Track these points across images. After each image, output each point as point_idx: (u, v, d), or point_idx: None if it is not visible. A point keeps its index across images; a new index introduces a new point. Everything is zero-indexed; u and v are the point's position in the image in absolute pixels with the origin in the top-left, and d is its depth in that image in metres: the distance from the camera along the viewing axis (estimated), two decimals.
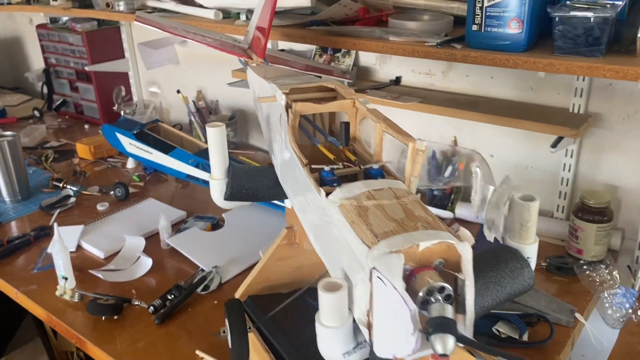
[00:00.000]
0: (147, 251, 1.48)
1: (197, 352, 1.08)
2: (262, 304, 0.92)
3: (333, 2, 1.46)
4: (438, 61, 1.60)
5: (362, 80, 1.74)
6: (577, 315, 1.22)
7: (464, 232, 0.50)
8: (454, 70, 1.59)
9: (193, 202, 1.78)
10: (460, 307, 0.47)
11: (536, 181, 1.53)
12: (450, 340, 0.44)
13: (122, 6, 1.78)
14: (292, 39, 1.42)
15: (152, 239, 1.55)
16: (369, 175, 0.66)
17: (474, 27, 1.16)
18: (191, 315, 1.26)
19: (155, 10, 1.78)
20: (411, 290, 0.48)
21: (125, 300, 1.29)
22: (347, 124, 0.71)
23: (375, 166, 0.66)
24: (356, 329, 0.57)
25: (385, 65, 1.72)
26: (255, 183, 0.87)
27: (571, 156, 1.46)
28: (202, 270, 1.40)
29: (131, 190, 1.80)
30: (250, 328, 0.71)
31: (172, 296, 1.29)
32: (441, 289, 0.48)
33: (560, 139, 1.33)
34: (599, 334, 1.26)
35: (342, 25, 1.43)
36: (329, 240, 0.62)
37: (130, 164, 1.99)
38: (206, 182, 1.68)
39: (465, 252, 0.49)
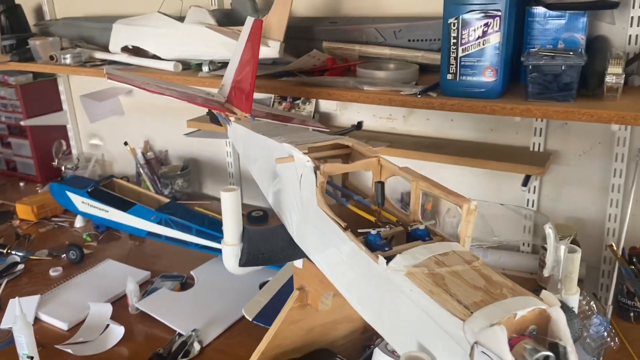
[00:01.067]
0: (114, 318, 1.38)
1: None
2: None
3: (298, 54, 1.47)
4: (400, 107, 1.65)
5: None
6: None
7: (548, 295, 0.51)
8: (414, 114, 1.64)
9: (154, 260, 1.69)
10: None
11: (500, 217, 1.59)
12: None
13: (68, 59, 1.69)
14: (265, 90, 1.41)
15: (118, 303, 1.45)
16: (415, 236, 0.65)
17: (449, 76, 1.21)
18: None
19: (104, 62, 1.71)
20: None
21: None
22: (382, 184, 0.70)
23: (422, 227, 0.66)
24: None
25: (345, 111, 1.74)
26: (271, 245, 0.84)
27: (534, 192, 1.53)
28: (180, 334, 1.32)
29: (85, 251, 1.68)
30: None
31: None
32: (546, 358, 0.47)
33: (528, 177, 1.40)
34: None
35: (310, 75, 1.44)
36: (390, 309, 0.60)
37: (79, 222, 1.86)
38: (170, 239, 1.62)
39: (560, 316, 0.49)
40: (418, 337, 0.55)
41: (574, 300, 0.66)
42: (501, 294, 0.51)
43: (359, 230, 0.65)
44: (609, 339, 1.32)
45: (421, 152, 1.51)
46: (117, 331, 1.34)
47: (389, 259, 0.59)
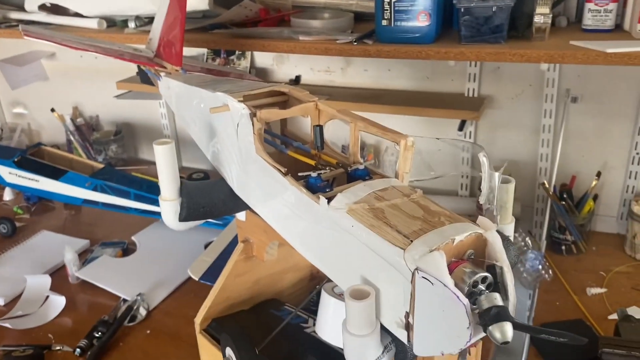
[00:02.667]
0: (54, 289, 1.33)
1: None
2: (230, 327, 0.87)
3: (228, 5, 1.42)
4: (337, 58, 1.63)
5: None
6: None
7: (484, 220, 0.52)
8: (352, 66, 1.63)
9: (92, 228, 1.64)
10: (502, 294, 0.48)
11: (440, 162, 1.62)
12: (509, 327, 0.45)
13: None
14: (195, 45, 1.36)
15: (57, 275, 1.40)
16: (355, 176, 0.65)
17: (384, 22, 1.20)
18: (125, 350, 1.17)
19: (21, 23, 1.59)
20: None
21: (44, 347, 1.15)
22: (320, 127, 0.69)
23: (361, 167, 0.66)
24: (381, 333, 0.56)
25: (282, 66, 1.71)
26: (211, 199, 0.82)
27: (469, 137, 1.57)
28: (125, 300, 1.29)
29: (17, 224, 1.60)
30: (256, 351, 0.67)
31: (99, 333, 1.18)
32: (484, 279, 0.49)
33: (464, 122, 1.43)
34: (520, 296, 1.37)
35: (243, 27, 1.39)
36: (333, 248, 0.60)
37: (8, 195, 1.77)
38: (107, 206, 1.56)
39: (495, 239, 0.50)
40: (362, 271, 0.56)
41: (509, 229, 0.68)
42: (439, 222, 0.52)
43: (299, 174, 0.64)
44: (543, 272, 1.39)
45: (360, 104, 1.51)
46: (58, 302, 1.29)
47: (330, 199, 0.59)
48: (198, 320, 0.89)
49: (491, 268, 0.50)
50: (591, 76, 1.41)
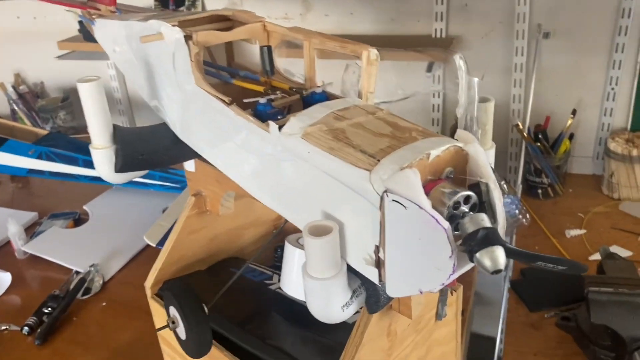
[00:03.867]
0: None
1: None
2: (175, 285, 0.78)
3: None
4: (295, 2, 1.52)
5: None
6: None
7: (463, 133, 0.43)
8: (312, 11, 1.52)
9: (41, 200, 1.52)
10: (489, 216, 0.40)
11: (409, 112, 1.54)
12: (501, 252, 0.37)
13: None
14: None
15: (1, 251, 1.28)
16: (311, 102, 0.56)
17: None
18: (79, 325, 1.07)
19: None
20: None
21: None
22: (268, 48, 0.59)
23: (318, 90, 0.56)
24: (348, 275, 0.48)
25: None
26: (152, 145, 0.71)
27: (438, 82, 1.49)
28: (77, 272, 1.19)
29: None
30: (204, 311, 0.58)
31: (49, 309, 1.08)
32: (466, 199, 0.40)
33: (432, 63, 1.34)
34: None
35: None
36: (290, 184, 0.51)
37: None
38: (54, 175, 1.44)
39: (478, 152, 0.42)
40: (323, 205, 0.47)
41: (490, 155, 0.60)
42: (411, 137, 0.43)
43: (245, 101, 0.55)
44: (521, 217, 1.33)
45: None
46: (3, 279, 1.19)
47: (283, 126, 0.50)
48: (148, 284, 0.80)
49: (475, 187, 0.42)
50: (563, 10, 1.34)
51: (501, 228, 0.41)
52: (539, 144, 1.38)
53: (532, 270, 1.18)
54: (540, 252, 0.39)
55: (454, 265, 0.38)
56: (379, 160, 0.41)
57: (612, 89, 1.38)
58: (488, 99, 0.59)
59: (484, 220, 0.38)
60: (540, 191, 1.41)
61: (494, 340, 1.10)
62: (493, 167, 0.63)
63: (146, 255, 1.25)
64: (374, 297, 0.49)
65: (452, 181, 0.42)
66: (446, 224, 0.38)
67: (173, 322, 0.55)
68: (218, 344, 0.70)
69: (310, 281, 0.45)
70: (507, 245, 0.38)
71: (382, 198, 0.40)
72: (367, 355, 0.59)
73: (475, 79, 0.51)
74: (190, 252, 0.82)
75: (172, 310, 0.57)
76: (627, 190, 1.36)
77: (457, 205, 0.40)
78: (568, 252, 1.22)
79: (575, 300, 0.99)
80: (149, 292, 0.81)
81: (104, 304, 1.12)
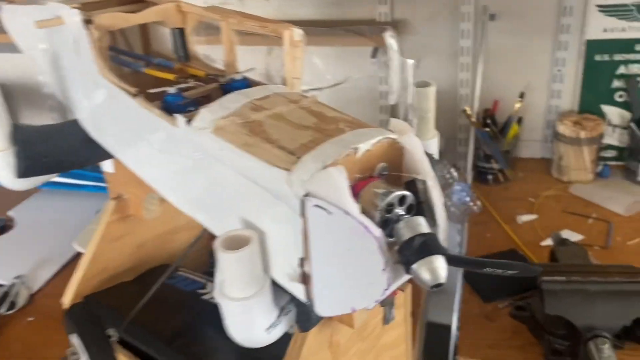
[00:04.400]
0: None
1: None
2: (107, 303, 0.70)
3: None
4: None
5: None
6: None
7: (398, 123, 0.37)
8: None
9: None
10: (428, 218, 0.35)
11: (355, 101, 1.49)
12: (442, 263, 0.31)
13: None
14: None
15: None
16: (230, 90, 0.49)
17: None
18: (2, 343, 0.97)
19: None
20: (361, 212, 0.34)
21: None
22: (180, 30, 0.52)
23: (237, 77, 0.49)
24: (274, 291, 0.42)
25: None
26: (58, 146, 0.63)
27: (385, 68, 1.44)
28: (1, 285, 1.09)
29: None
30: (111, 337, 0.51)
31: None
32: (402, 200, 0.34)
33: (377, 49, 1.29)
34: (449, 232, 1.28)
35: None
36: (206, 188, 0.44)
37: None
38: None
39: (415, 145, 0.36)
40: (242, 212, 0.41)
41: (432, 145, 0.54)
42: (337, 130, 0.37)
43: (150, 91, 0.48)
44: (471, 204, 1.30)
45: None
46: None
47: (193, 119, 0.43)
48: (67, 300, 0.72)
49: (411, 184, 0.36)
50: None
51: (442, 231, 0.35)
52: (487, 129, 1.34)
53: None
54: (485, 259, 0.34)
55: (388, 279, 0.32)
56: (299, 158, 0.35)
57: (559, 70, 1.35)
58: (428, 83, 0.53)
59: (421, 224, 0.33)
60: (490, 177, 1.38)
61: (449, 328, 1.07)
62: (438, 157, 0.58)
63: (78, 263, 1.15)
64: (304, 315, 0.43)
65: (386, 179, 0.36)
66: (377, 232, 0.32)
67: (74, 354, 0.47)
68: None
69: (226, 302, 0.39)
70: (449, 253, 0.32)
71: (302, 203, 0.34)
72: None
73: (410, 61, 0.45)
74: (115, 261, 0.75)
75: (75, 338, 0.50)
76: (576, 172, 1.35)
77: (390, 207, 0.34)
78: (520, 239, 1.20)
79: (529, 289, 0.96)
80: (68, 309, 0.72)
81: (30, 318, 1.03)
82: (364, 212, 0.34)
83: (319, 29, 1.32)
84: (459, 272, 1.18)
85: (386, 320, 0.63)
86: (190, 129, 0.42)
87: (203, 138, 0.41)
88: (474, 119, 1.35)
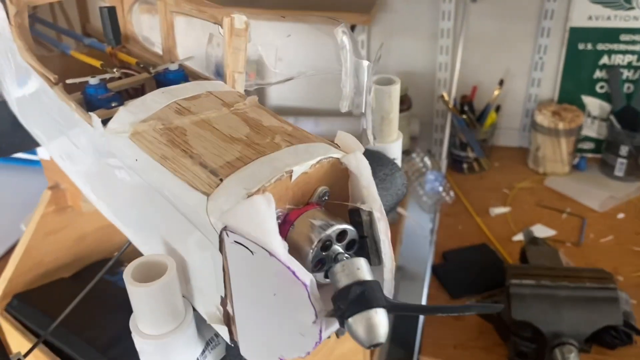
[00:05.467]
0: None
1: None
2: (39, 302, 0.64)
3: None
4: None
5: None
6: (399, 210, 1.17)
7: (345, 136, 0.32)
8: None
9: None
10: (372, 255, 0.29)
11: (330, 82, 1.42)
12: (381, 317, 0.26)
13: None
14: None
15: None
16: (164, 82, 0.43)
17: None
18: None
19: None
20: (292, 246, 0.28)
21: None
22: (110, 9, 0.45)
23: (173, 67, 0.43)
24: (199, 322, 0.36)
25: None
26: None
27: (362, 46, 1.37)
28: None
29: None
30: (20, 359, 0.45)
31: None
32: (341, 235, 0.29)
33: (354, 26, 1.22)
34: (420, 222, 1.24)
35: None
36: (125, 200, 0.38)
37: None
38: None
39: (362, 166, 0.30)
40: (163, 233, 0.35)
41: (394, 149, 0.49)
42: (272, 145, 0.31)
43: (69, 81, 0.41)
44: (444, 194, 1.26)
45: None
46: None
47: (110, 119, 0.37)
48: None
49: (355, 213, 0.30)
50: None
51: (388, 272, 0.30)
52: (464, 116, 1.29)
53: (455, 254, 1.11)
54: (437, 306, 0.29)
55: (320, 331, 0.27)
56: (222, 180, 0.29)
57: (540, 58, 1.30)
58: (392, 80, 0.47)
59: (361, 268, 0.27)
60: (465, 166, 1.33)
61: (417, 320, 1.04)
62: (399, 160, 0.53)
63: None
64: (235, 350, 0.38)
65: (326, 207, 0.31)
66: (308, 279, 0.27)
67: None
68: None
69: (139, 340, 0.33)
70: (391, 302, 0.27)
71: (220, 236, 0.28)
72: None
73: (365, 62, 0.39)
74: (51, 256, 0.69)
75: None
76: (552, 164, 1.31)
77: (327, 243, 0.29)
78: (492, 232, 1.16)
79: (498, 285, 0.92)
80: None
81: None
82: (297, 247, 0.28)
83: (289, 7, 1.25)
84: (428, 264, 1.14)
85: (340, 332, 0.58)
86: (106, 131, 0.36)
87: (118, 143, 0.35)
88: (451, 105, 1.30)
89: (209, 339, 0.37)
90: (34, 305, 0.64)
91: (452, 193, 1.26)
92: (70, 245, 0.69)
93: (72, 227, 0.69)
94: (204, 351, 0.36)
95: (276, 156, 0.30)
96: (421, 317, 1.01)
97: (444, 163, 1.34)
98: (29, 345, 0.62)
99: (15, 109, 0.58)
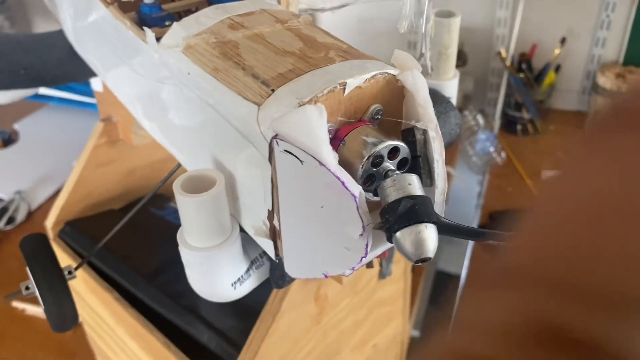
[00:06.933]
0: None
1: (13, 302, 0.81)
2: (89, 230, 0.66)
3: None
4: None
5: None
6: (447, 168, 1.15)
7: (401, 55, 0.30)
8: None
9: None
10: (424, 176, 0.29)
11: (383, 34, 1.39)
12: (430, 232, 0.25)
13: None
14: None
15: None
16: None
17: None
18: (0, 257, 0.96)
19: None
20: (342, 162, 0.28)
21: None
22: None
23: None
24: (245, 242, 0.37)
25: None
26: (38, 57, 0.58)
27: None
28: (1, 199, 1.07)
29: None
30: (71, 272, 0.47)
31: None
32: (393, 151, 0.28)
33: None
34: (468, 183, 1.21)
35: None
36: (176, 117, 0.38)
37: None
38: None
39: (418, 84, 0.29)
40: (213, 149, 0.35)
41: (451, 87, 0.47)
42: (325, 59, 0.30)
43: (128, 0, 0.41)
44: (495, 155, 1.23)
45: None
46: None
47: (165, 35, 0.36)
48: (49, 224, 0.68)
49: (409, 133, 0.29)
50: None
51: (440, 194, 0.29)
52: (522, 74, 1.24)
53: (502, 215, 1.08)
54: (489, 230, 0.28)
55: (366, 246, 0.27)
56: (273, 90, 0.28)
57: (607, 16, 1.23)
58: (452, 13, 0.45)
59: (413, 184, 0.26)
60: (519, 127, 1.29)
61: (458, 278, 1.03)
62: (455, 100, 0.51)
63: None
64: (279, 270, 0.38)
65: (379, 125, 0.30)
66: (357, 190, 0.26)
67: (27, 288, 0.43)
68: (122, 299, 0.60)
69: (185, 252, 0.34)
70: (442, 220, 0.26)
71: (270, 145, 0.27)
72: (288, 323, 0.48)
73: None
74: (101, 188, 0.70)
75: (29, 272, 0.46)
76: None
77: (378, 160, 0.28)
78: None
79: None
80: (50, 233, 0.69)
81: None
82: (347, 163, 0.28)
83: None
84: (474, 224, 1.12)
85: (382, 275, 0.58)
86: (160, 46, 0.35)
87: (172, 58, 0.34)
88: (508, 63, 1.25)
89: (254, 259, 0.37)
90: (84, 232, 0.66)
91: (503, 154, 1.23)
92: (120, 178, 0.71)
93: (122, 160, 0.70)
94: (248, 269, 0.36)
95: (330, 69, 0.29)
96: (465, 264, 1.00)
97: (497, 123, 1.30)
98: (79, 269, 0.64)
99: (71, 38, 0.58)
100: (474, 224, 1.10)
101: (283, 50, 0.31)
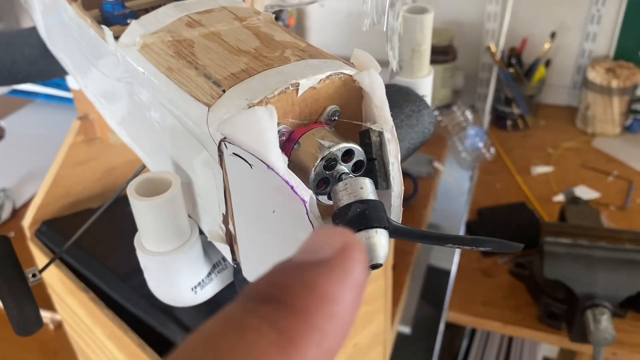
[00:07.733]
0: None
1: None
2: (66, 229, 0.66)
3: None
4: None
5: None
6: (436, 164, 1.14)
7: (360, 54, 0.30)
8: None
9: None
10: (380, 179, 0.28)
11: (371, 28, 1.38)
12: (381, 238, 0.25)
13: None
14: None
15: None
16: None
17: None
18: None
19: None
20: (295, 165, 0.27)
21: None
22: None
23: None
24: (207, 245, 0.36)
25: None
26: (10, 55, 0.57)
27: None
28: None
29: None
30: (35, 275, 0.46)
31: None
32: (347, 154, 0.27)
33: None
34: (457, 179, 1.21)
35: None
36: (136, 119, 0.37)
37: None
38: None
39: (375, 84, 0.28)
40: (171, 152, 0.34)
41: (425, 85, 0.46)
42: (281, 58, 0.29)
43: None
44: (484, 151, 1.22)
45: None
46: None
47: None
48: (27, 223, 0.67)
49: (365, 135, 0.29)
50: None
51: (396, 197, 0.28)
52: (512, 69, 1.23)
53: (491, 211, 1.08)
54: (447, 234, 0.27)
55: None
56: (224, 91, 0.28)
57: (598, 10, 1.22)
58: (425, 9, 0.44)
59: (365, 188, 0.25)
60: (509, 122, 1.28)
61: (448, 273, 1.03)
62: (429, 98, 0.50)
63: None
64: (242, 274, 0.37)
65: (335, 126, 0.29)
66: (307, 195, 0.25)
67: None
68: (98, 299, 0.59)
69: (143, 256, 0.33)
70: (394, 224, 0.25)
71: (219, 147, 0.27)
72: None
73: None
74: (79, 186, 0.70)
75: None
76: (602, 125, 1.24)
77: (332, 162, 0.27)
78: (532, 192, 1.12)
79: (534, 245, 0.89)
80: (27, 232, 0.68)
81: (12, 234, 1.00)
82: (300, 166, 0.27)
83: None
84: (462, 220, 1.12)
85: None
86: (117, 45, 0.35)
87: (129, 57, 0.33)
88: (498, 58, 1.24)
89: (216, 262, 0.36)
90: (62, 231, 0.65)
91: (492, 150, 1.22)
92: (98, 176, 0.70)
93: (100, 159, 0.69)
94: (210, 273, 0.36)
95: (283, 69, 0.28)
96: (452, 275, 0.99)
97: (486, 119, 1.29)
98: (56, 269, 0.63)
99: (44, 35, 0.57)
100: (463, 220, 1.10)
101: (238, 49, 0.30)
